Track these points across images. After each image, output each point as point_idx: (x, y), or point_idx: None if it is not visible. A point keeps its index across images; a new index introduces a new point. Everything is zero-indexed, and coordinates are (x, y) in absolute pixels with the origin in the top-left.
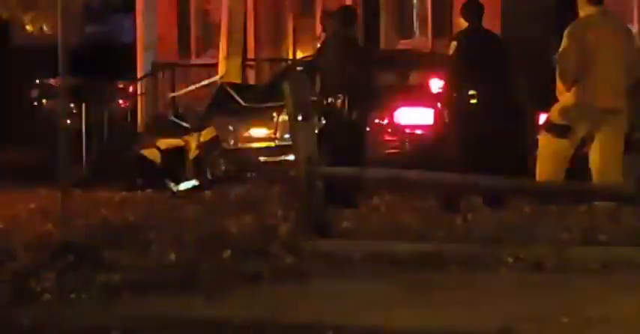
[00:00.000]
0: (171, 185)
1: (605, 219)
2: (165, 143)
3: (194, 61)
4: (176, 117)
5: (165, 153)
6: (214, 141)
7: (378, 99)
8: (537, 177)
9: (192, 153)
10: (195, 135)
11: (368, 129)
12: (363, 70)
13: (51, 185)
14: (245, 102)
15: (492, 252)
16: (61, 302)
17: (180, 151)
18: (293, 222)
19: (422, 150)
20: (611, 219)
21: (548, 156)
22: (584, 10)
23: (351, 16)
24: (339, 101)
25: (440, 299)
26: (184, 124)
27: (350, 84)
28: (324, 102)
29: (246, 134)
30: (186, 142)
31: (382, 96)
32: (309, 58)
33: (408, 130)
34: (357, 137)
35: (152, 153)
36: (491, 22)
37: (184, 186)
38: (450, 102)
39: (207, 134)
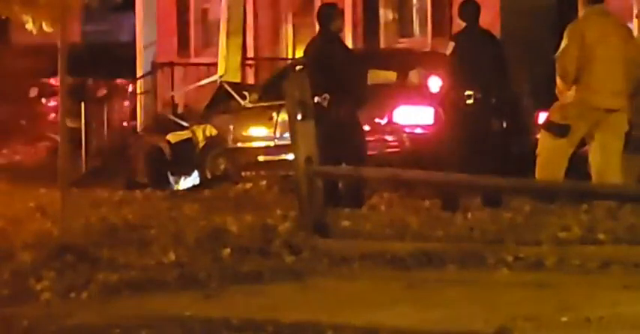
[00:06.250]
0: (172, 182)
1: (604, 218)
2: (175, 136)
3: (193, 60)
4: (175, 116)
5: (175, 146)
6: (215, 140)
7: (364, 97)
8: (537, 177)
9: (201, 142)
10: (201, 126)
11: (368, 128)
12: (345, 67)
13: (50, 184)
14: (244, 101)
15: (492, 252)
16: (60, 302)
17: (187, 145)
18: (293, 221)
19: (421, 149)
20: (610, 218)
21: (548, 156)
22: (585, 9)
23: (330, 14)
24: (326, 101)
25: (439, 298)
26: (184, 123)
27: (333, 83)
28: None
29: (245, 133)
30: (193, 132)
31: (369, 94)
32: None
33: (407, 129)
34: (349, 136)
35: (165, 146)
36: (491, 21)
37: (184, 184)
38: (448, 102)
39: (210, 130)
